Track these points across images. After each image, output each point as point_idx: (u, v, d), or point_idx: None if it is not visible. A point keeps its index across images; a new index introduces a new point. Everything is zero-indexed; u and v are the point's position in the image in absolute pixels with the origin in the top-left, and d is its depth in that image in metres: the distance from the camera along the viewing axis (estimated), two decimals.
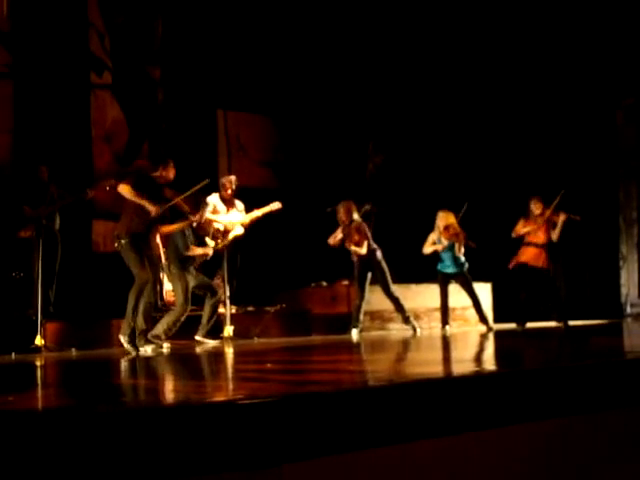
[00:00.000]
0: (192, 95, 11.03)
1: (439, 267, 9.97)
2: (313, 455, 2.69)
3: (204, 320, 8.43)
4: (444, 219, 9.86)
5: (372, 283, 9.69)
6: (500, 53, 12.42)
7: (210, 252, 8.49)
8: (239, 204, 9.37)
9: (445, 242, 9.80)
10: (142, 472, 2.45)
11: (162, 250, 8.85)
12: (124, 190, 7.18)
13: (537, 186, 10.76)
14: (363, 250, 9.38)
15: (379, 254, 9.55)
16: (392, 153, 12.33)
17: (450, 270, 9.87)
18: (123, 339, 7.09)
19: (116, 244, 7.24)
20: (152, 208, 7.17)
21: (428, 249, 9.95)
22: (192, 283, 8.16)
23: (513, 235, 10.08)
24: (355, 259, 9.57)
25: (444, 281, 9.99)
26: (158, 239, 8.61)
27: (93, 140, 10.39)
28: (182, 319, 7.97)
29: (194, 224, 8.19)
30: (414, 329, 9.52)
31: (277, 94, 11.71)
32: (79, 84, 10.26)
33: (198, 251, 8.32)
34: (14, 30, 9.78)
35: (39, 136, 9.42)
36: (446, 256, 9.83)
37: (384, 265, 9.54)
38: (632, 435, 3.62)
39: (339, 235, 9.56)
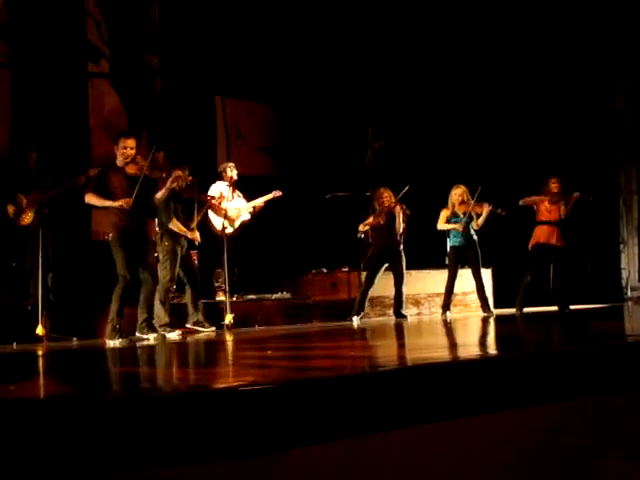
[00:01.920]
0: (190, 82, 10.99)
1: (451, 243, 9.86)
2: (315, 441, 2.70)
3: (191, 309, 8.31)
4: (460, 195, 9.77)
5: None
6: (500, 37, 12.37)
7: (196, 236, 8.31)
8: (238, 192, 9.40)
9: (461, 216, 9.71)
10: (144, 459, 2.46)
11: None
12: (89, 200, 7.17)
13: (537, 170, 10.73)
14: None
15: (402, 246, 9.59)
16: (391, 139, 12.30)
17: (461, 243, 9.75)
18: (112, 343, 6.94)
19: (106, 237, 7.22)
20: (119, 203, 7.08)
21: (445, 226, 9.83)
22: (179, 254, 8.12)
23: (520, 202, 9.96)
24: (377, 247, 9.58)
25: (455, 258, 9.83)
26: (157, 227, 8.60)
27: (91, 129, 10.36)
28: (171, 290, 8.00)
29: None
30: (405, 317, 9.53)
31: (275, 81, 11.67)
32: (76, 73, 10.22)
33: (180, 227, 8.14)
34: (11, 20, 9.74)
35: (37, 125, 9.39)
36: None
37: (404, 257, 9.58)
38: (633, 418, 3.62)
39: (379, 220, 9.53)
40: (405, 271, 9.62)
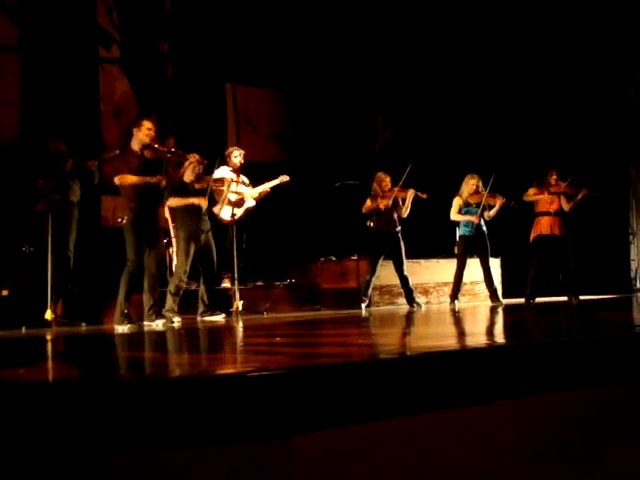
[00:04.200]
0: (201, 69, 10.99)
1: (461, 232, 9.86)
2: (322, 427, 2.70)
3: (199, 297, 8.19)
4: (473, 184, 9.74)
5: (385, 258, 9.72)
6: (511, 26, 12.32)
7: (203, 202, 8.10)
8: (244, 178, 9.38)
9: (473, 206, 9.68)
10: (151, 443, 2.47)
11: (171, 225, 8.84)
12: (128, 180, 7.19)
13: (548, 160, 10.69)
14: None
15: (399, 229, 9.59)
16: (401, 127, 12.27)
17: (471, 232, 9.70)
18: (120, 328, 7.03)
19: (119, 220, 7.25)
20: (157, 178, 7.20)
21: (459, 217, 9.82)
22: (193, 248, 8.04)
23: (523, 198, 9.91)
24: (374, 232, 9.57)
25: (465, 248, 9.81)
26: (167, 214, 8.61)
27: (102, 115, 10.37)
28: (184, 281, 7.98)
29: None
30: (419, 305, 9.56)
31: (286, 68, 11.66)
32: (87, 58, 10.23)
33: (185, 200, 8.00)
34: (22, 4, 9.74)
35: (47, 110, 9.40)
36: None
37: (402, 242, 9.57)
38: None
39: (385, 203, 9.53)
40: (404, 255, 9.59)
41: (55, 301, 7.72)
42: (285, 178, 9.38)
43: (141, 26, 10.72)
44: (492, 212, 9.75)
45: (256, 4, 11.33)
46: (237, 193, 9.14)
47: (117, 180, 7.23)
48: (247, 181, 9.39)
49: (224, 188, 8.86)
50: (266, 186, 9.37)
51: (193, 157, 7.76)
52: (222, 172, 9.02)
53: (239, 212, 9.10)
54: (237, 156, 9.21)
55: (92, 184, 8.60)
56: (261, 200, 9.44)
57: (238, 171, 9.23)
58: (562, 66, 12.46)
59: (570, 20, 12.23)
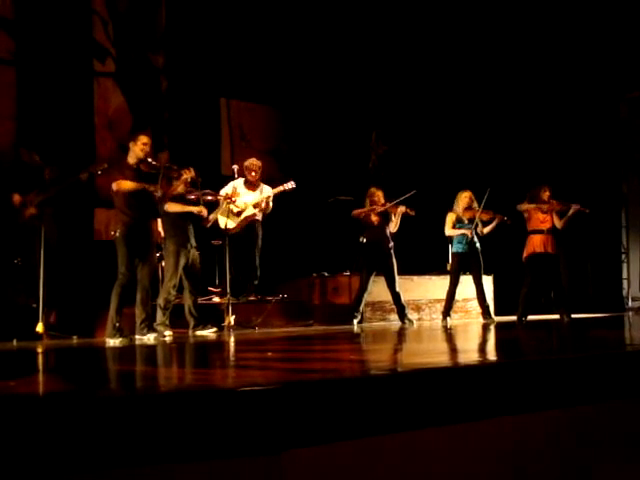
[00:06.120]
0: (195, 83, 11.01)
1: (454, 249, 9.86)
2: (312, 443, 2.70)
3: (187, 312, 8.18)
4: (466, 200, 9.75)
5: (377, 274, 9.71)
6: (504, 45, 12.38)
7: (203, 210, 8.21)
8: (266, 189, 9.48)
9: (466, 222, 9.69)
10: (141, 457, 2.46)
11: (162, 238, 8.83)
12: (125, 186, 7.19)
13: (541, 179, 10.72)
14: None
15: (392, 245, 9.59)
16: (395, 144, 12.30)
17: (465, 249, 9.70)
18: (112, 342, 7.03)
19: (112, 233, 7.28)
20: (153, 187, 7.23)
21: (454, 232, 9.82)
22: (183, 261, 8.06)
23: (517, 207, 9.86)
24: (366, 248, 9.57)
25: (458, 265, 9.81)
26: (160, 227, 8.60)
27: (96, 128, 10.37)
28: (173, 295, 7.97)
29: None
30: (411, 322, 9.56)
31: (280, 83, 11.69)
32: (82, 71, 10.24)
33: (183, 207, 8.06)
34: (18, 17, 9.76)
35: (42, 123, 9.41)
36: (462, 236, 9.73)
37: (394, 258, 9.56)
38: (632, 425, 3.62)
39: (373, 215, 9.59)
40: (396, 271, 9.58)
41: (46, 314, 7.70)
42: (291, 185, 9.57)
43: (136, 40, 10.75)
44: (487, 229, 9.75)
45: (252, 20, 11.37)
46: (236, 205, 9.23)
47: (115, 186, 7.21)
48: (268, 191, 9.50)
49: (221, 202, 8.95)
50: (265, 194, 9.44)
51: (188, 173, 7.83)
52: (235, 182, 9.41)
53: (232, 224, 9.14)
54: (247, 168, 9.59)
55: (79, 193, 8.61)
56: (265, 211, 9.52)
57: (255, 183, 9.56)
58: (557, 85, 12.52)
59: (564, 39, 12.30)
